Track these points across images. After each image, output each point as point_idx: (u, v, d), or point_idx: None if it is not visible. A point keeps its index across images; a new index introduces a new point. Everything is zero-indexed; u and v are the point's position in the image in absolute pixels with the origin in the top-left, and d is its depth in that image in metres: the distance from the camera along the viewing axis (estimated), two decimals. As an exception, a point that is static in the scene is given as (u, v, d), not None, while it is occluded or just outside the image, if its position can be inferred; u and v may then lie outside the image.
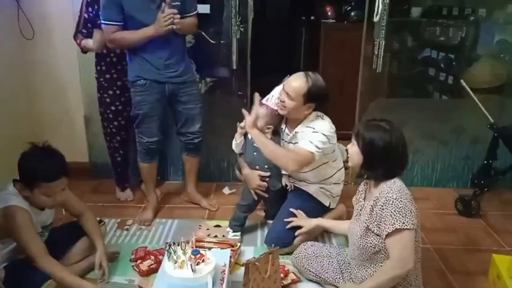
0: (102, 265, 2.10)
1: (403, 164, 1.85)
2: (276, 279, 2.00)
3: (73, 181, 3.10)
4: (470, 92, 2.87)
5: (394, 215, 1.71)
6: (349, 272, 2.00)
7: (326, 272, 2.07)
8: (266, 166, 2.46)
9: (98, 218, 2.36)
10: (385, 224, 1.73)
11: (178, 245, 1.90)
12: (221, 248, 2.24)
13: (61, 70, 3.18)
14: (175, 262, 1.83)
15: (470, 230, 2.73)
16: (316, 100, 2.29)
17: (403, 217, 1.70)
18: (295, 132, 2.37)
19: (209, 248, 2.23)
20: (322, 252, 2.14)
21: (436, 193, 3.21)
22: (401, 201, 1.72)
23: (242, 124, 2.44)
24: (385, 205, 1.74)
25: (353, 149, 1.85)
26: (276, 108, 2.38)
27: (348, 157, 1.90)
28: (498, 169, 2.92)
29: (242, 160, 2.56)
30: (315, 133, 2.26)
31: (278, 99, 2.36)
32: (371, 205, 1.81)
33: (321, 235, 2.57)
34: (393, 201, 1.72)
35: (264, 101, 2.42)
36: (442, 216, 2.90)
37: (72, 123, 3.30)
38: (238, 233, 2.56)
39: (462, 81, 2.91)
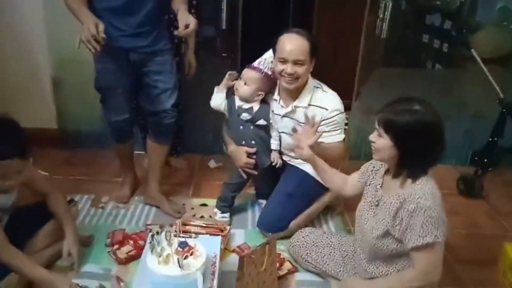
0: (71, 252, 1.84)
1: (443, 150, 1.54)
2: (272, 271, 1.78)
3: (42, 149, 2.88)
4: (481, 64, 2.64)
5: (426, 227, 1.45)
6: (354, 264, 1.80)
7: (327, 264, 1.86)
8: (253, 142, 2.20)
9: (68, 198, 2.09)
10: (413, 234, 1.47)
11: (161, 233, 1.66)
12: (210, 235, 2.00)
13: (25, 26, 2.79)
14: (159, 256, 1.58)
15: (473, 212, 2.57)
16: (316, 52, 2.05)
17: (435, 229, 1.45)
18: (294, 106, 2.11)
19: (195, 234, 2.00)
20: (322, 241, 1.92)
21: (435, 170, 3.01)
22: (435, 210, 1.46)
23: (232, 72, 2.18)
24: (416, 213, 1.46)
25: (382, 143, 1.51)
26: (269, 72, 2.10)
27: (373, 149, 1.59)
28: (503, 147, 2.74)
29: (226, 135, 2.30)
30: (335, 117, 2.06)
31: (271, 63, 2.09)
32: (396, 207, 1.51)
33: (317, 218, 2.36)
34: (425, 210, 1.45)
35: (256, 64, 2.13)
36: (443, 197, 2.71)
37: (39, 86, 2.95)
38: (227, 215, 2.33)
39: (473, 50, 2.67)
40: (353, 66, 3.00)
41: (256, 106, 2.15)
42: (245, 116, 2.16)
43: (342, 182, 1.86)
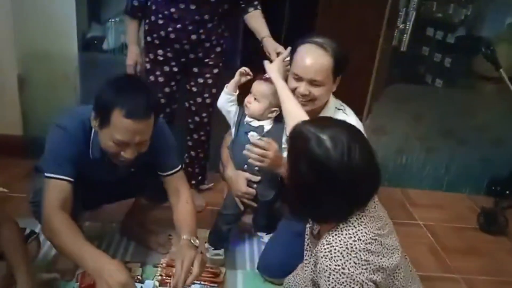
0: None
1: (358, 200, 1.17)
2: None
3: (2, 159, 2.47)
4: (510, 85, 2.37)
5: None
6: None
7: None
8: (256, 168, 1.83)
9: (28, 229, 1.68)
10: None
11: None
12: (205, 285, 1.64)
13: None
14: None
15: (497, 253, 2.28)
16: (343, 69, 1.69)
17: None
18: None
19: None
20: None
21: (448, 199, 2.75)
22: (345, 273, 1.11)
23: (245, 69, 1.82)
24: (321, 275, 1.15)
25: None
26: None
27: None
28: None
29: (226, 152, 1.94)
30: None
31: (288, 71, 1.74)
32: (313, 260, 1.23)
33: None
34: (330, 273, 1.12)
35: (268, 75, 1.78)
36: (461, 232, 2.43)
37: (2, 85, 2.52)
38: (221, 251, 1.96)
39: (502, 70, 2.39)
40: (362, 79, 2.69)
41: (268, 125, 1.80)
42: (253, 135, 1.79)
43: None
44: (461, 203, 2.71)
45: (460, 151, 2.77)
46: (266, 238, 2.09)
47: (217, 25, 2.06)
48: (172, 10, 1.99)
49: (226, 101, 1.85)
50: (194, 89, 2.18)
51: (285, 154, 1.77)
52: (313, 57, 1.63)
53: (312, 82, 1.63)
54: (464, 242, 2.35)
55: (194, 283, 1.63)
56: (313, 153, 1.11)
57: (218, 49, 2.13)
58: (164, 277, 1.69)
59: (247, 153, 1.71)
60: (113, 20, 2.56)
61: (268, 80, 1.76)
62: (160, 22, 2.02)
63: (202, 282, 1.68)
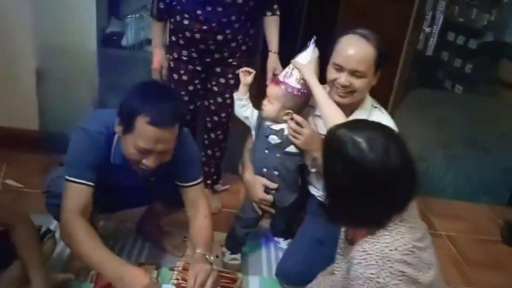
0: None
1: (396, 204, 1.12)
2: None
3: (18, 154, 2.44)
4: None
5: None
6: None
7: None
8: (276, 172, 1.78)
9: (44, 227, 1.65)
10: None
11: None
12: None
13: (6, 7, 2.34)
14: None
15: (523, 268, 2.21)
16: (386, 61, 1.64)
17: None
18: None
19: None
20: None
21: (470, 210, 2.67)
22: (378, 281, 1.07)
23: (246, 68, 1.79)
24: (356, 283, 1.11)
25: None
26: (299, 86, 1.69)
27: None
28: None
29: (247, 156, 1.89)
30: None
31: (299, 74, 1.68)
32: (347, 266, 1.19)
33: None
34: (365, 281, 1.08)
35: (280, 77, 1.73)
36: (483, 244, 2.36)
37: (19, 78, 2.49)
38: (238, 256, 1.91)
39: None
40: (384, 83, 2.62)
41: (288, 128, 1.75)
42: (273, 139, 1.75)
43: None
44: (482, 213, 2.64)
45: (483, 159, 2.69)
46: (283, 244, 2.04)
47: (243, 24, 2.01)
48: (198, 12, 1.93)
49: (239, 107, 1.80)
50: (215, 88, 2.13)
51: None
52: (356, 47, 1.58)
53: (354, 73, 1.58)
54: (487, 255, 2.27)
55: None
56: (349, 156, 1.07)
57: (244, 47, 2.08)
58: (180, 281, 1.64)
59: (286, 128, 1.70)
60: (132, 16, 2.54)
61: (280, 83, 1.71)
62: (186, 22, 1.97)
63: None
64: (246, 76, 1.78)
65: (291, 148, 1.74)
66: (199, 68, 2.07)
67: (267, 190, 1.81)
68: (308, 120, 1.75)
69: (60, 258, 1.78)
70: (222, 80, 2.11)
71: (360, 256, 1.10)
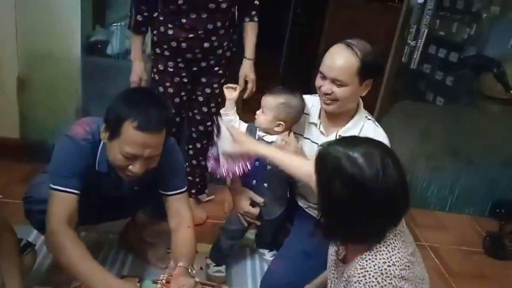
0: None
1: (392, 219, 1.12)
2: None
3: None
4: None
5: None
6: None
7: None
8: (265, 184, 1.78)
9: (23, 241, 1.60)
10: None
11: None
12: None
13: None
14: None
15: (505, 278, 2.22)
16: (375, 73, 1.64)
17: None
18: (339, 136, 1.69)
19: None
20: None
21: (452, 220, 2.69)
22: None
23: (233, 86, 1.81)
24: None
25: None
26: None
27: None
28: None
29: None
30: None
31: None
32: (343, 285, 1.18)
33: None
34: None
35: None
36: (467, 255, 2.37)
37: (0, 85, 2.44)
38: (223, 268, 1.89)
39: (513, 91, 2.36)
40: (369, 94, 2.64)
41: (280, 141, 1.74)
42: None
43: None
44: (465, 224, 2.66)
45: (466, 171, 2.71)
46: (268, 255, 2.03)
47: (227, 30, 2.01)
48: (183, 20, 1.92)
49: (227, 122, 1.77)
50: (201, 98, 2.12)
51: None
52: (337, 57, 1.59)
53: (335, 81, 1.59)
54: (471, 266, 2.29)
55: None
56: (346, 173, 1.06)
57: (228, 53, 2.08)
58: (164, 294, 1.61)
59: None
60: (117, 24, 2.52)
61: (273, 93, 1.71)
62: (170, 32, 1.95)
63: (203, 302, 1.60)
64: (231, 92, 1.78)
65: None
66: (185, 80, 2.05)
67: (253, 202, 1.80)
68: (303, 127, 1.78)
69: (39, 270, 1.73)
70: (208, 90, 2.10)
71: (359, 274, 1.09)
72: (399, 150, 2.54)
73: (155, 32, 2.01)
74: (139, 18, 1.98)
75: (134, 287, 1.32)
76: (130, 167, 1.40)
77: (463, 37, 2.80)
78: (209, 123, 2.17)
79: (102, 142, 1.47)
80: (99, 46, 2.48)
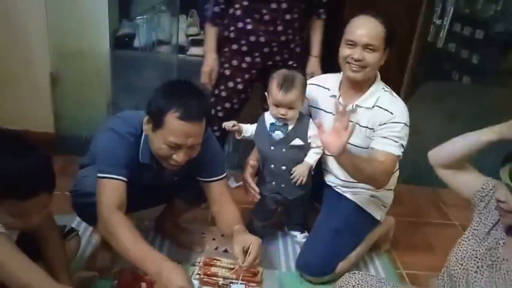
0: None
1: None
2: None
3: None
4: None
5: None
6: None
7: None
8: (283, 167, 1.82)
9: (67, 227, 1.67)
10: None
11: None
12: (245, 285, 1.62)
13: (22, 10, 2.37)
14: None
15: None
16: (393, 41, 1.73)
17: None
18: (356, 105, 1.75)
19: (225, 280, 1.63)
20: None
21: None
22: None
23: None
24: None
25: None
26: None
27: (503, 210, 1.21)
28: None
29: (254, 152, 1.94)
30: (398, 126, 1.68)
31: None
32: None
33: (362, 259, 1.99)
34: None
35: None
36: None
37: (34, 82, 2.53)
38: (256, 250, 1.95)
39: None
40: (394, 76, 2.64)
41: (291, 124, 1.79)
42: (278, 134, 1.80)
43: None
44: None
45: (495, 150, 2.68)
46: (300, 237, 2.07)
47: (299, 25, 2.05)
48: (264, 11, 1.95)
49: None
50: None
51: (311, 154, 1.81)
52: (368, 24, 1.68)
53: (367, 47, 1.66)
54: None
55: (234, 282, 1.63)
56: None
57: (298, 49, 2.11)
58: (202, 276, 1.68)
59: None
60: (143, 17, 2.56)
61: (286, 87, 1.74)
62: (249, 27, 1.99)
63: (241, 282, 1.65)
64: (237, 131, 1.83)
65: (296, 141, 1.79)
66: (254, 77, 2.10)
67: (277, 182, 1.85)
68: (323, 101, 1.85)
69: (82, 256, 1.81)
70: None
71: None
72: (426, 131, 2.59)
73: (231, 28, 2.04)
74: (216, 9, 2.03)
75: (185, 273, 1.36)
76: (174, 156, 1.46)
77: (489, 14, 2.77)
78: None
79: (144, 134, 1.54)
80: (126, 39, 2.54)
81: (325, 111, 1.84)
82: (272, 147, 1.82)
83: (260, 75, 2.10)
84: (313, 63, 2.14)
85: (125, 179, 1.51)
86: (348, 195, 1.88)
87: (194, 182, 1.69)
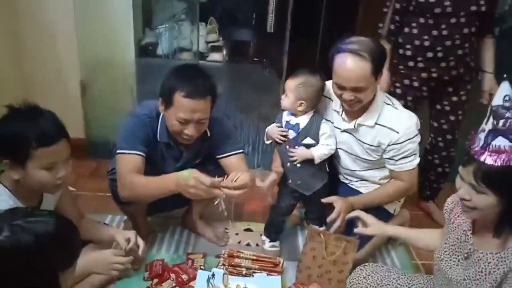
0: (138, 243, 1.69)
1: None
2: (343, 270, 1.78)
3: None
4: None
5: None
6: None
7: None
8: (298, 165, 1.89)
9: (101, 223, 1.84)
10: None
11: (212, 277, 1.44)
12: (267, 274, 1.73)
13: (53, 22, 2.53)
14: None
15: None
16: (383, 62, 1.76)
17: None
18: (358, 124, 1.83)
19: (248, 270, 1.75)
20: (388, 283, 1.60)
21: None
22: None
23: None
24: None
25: (485, 201, 1.23)
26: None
27: (466, 207, 1.29)
28: None
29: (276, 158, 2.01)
30: (407, 145, 1.78)
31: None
32: (500, 275, 1.26)
33: (378, 249, 2.08)
34: None
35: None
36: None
37: (65, 89, 2.69)
38: (277, 243, 2.06)
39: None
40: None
41: (303, 121, 1.87)
42: (291, 133, 1.89)
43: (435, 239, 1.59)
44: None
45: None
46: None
47: (474, 39, 2.05)
48: (443, 26, 1.97)
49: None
50: (447, 108, 2.19)
51: (320, 147, 1.86)
52: (351, 67, 1.67)
53: (355, 89, 1.70)
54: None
55: (256, 272, 1.75)
56: None
57: (472, 63, 2.12)
58: (227, 266, 1.80)
59: None
60: (164, 26, 2.68)
61: (294, 74, 1.84)
62: (426, 44, 2.01)
63: (262, 272, 1.77)
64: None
65: (307, 140, 1.87)
66: (425, 94, 2.15)
67: (293, 177, 1.92)
68: (327, 111, 1.92)
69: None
70: (455, 98, 2.17)
71: None
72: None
73: (408, 46, 2.06)
74: (391, 27, 2.09)
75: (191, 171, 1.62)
76: (185, 130, 1.67)
77: (503, 8, 2.79)
78: (456, 131, 2.25)
79: (161, 115, 1.74)
80: (150, 48, 2.68)
81: (325, 119, 1.91)
82: (287, 146, 1.91)
83: (431, 93, 2.14)
84: (490, 79, 2.12)
85: (141, 153, 1.70)
86: (362, 190, 1.97)
87: (215, 169, 1.83)
